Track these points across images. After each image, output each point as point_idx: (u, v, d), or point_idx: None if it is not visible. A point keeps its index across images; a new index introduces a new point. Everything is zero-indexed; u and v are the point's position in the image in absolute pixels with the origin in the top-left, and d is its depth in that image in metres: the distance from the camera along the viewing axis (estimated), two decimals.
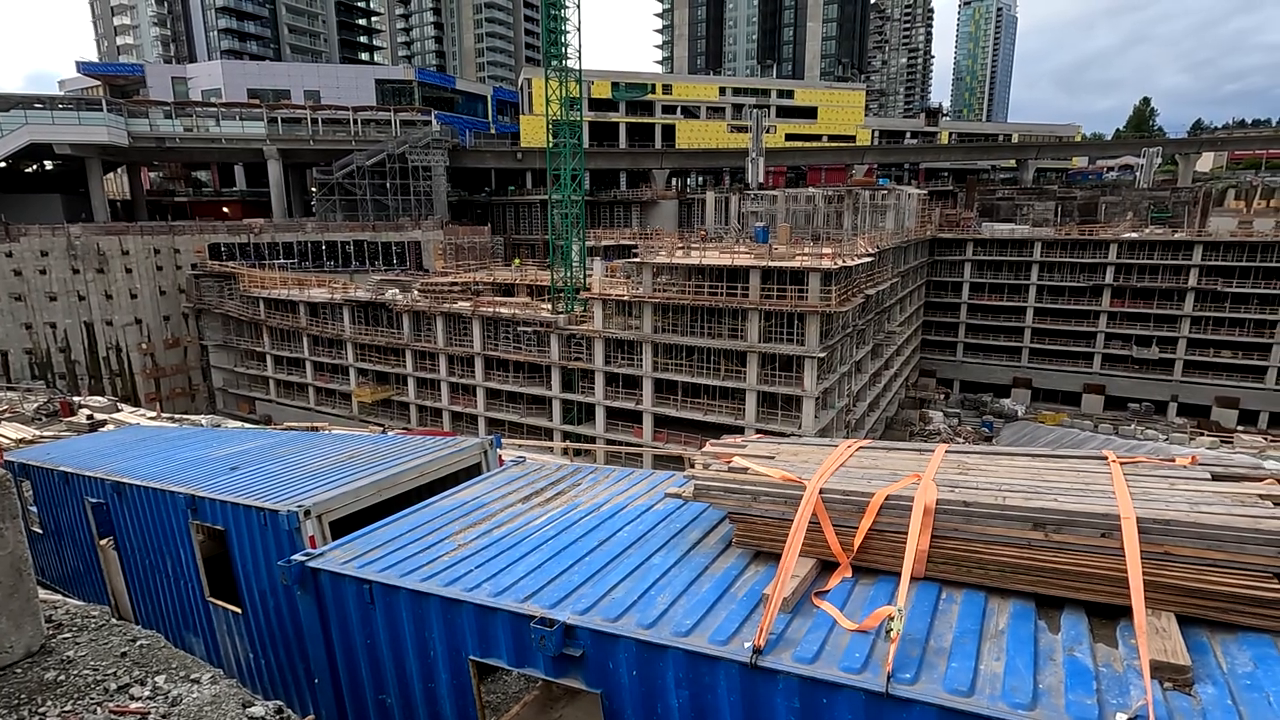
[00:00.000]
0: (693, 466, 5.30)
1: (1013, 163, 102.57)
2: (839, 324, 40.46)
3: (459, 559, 5.15)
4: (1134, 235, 68.08)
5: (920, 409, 65.62)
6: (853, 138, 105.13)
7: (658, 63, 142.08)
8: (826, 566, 4.35)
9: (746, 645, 3.61)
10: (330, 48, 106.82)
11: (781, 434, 32.55)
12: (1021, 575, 3.77)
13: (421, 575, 4.95)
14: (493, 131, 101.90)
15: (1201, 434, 54.27)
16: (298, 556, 5.50)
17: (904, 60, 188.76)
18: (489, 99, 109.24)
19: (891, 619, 3.40)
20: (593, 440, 44.39)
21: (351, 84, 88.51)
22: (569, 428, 46.05)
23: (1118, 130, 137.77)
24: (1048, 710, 2.94)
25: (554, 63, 45.73)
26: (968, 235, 72.90)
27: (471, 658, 4.59)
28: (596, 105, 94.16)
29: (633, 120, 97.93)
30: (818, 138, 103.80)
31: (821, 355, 37.99)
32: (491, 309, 47.79)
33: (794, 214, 66.89)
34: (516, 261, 71.68)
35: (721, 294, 40.34)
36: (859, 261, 41.93)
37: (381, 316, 52.12)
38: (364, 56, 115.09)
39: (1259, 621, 3.26)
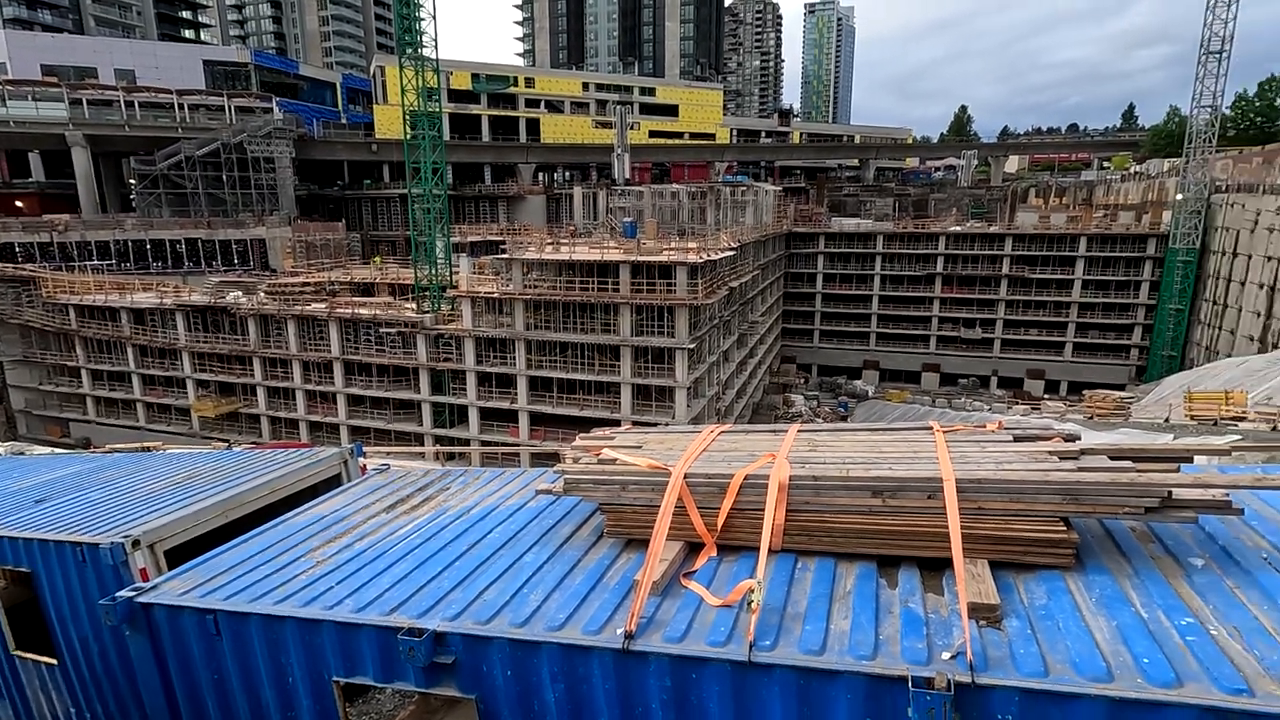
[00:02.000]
0: (564, 461, 5.31)
1: (856, 162, 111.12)
2: (706, 316, 41.99)
3: (317, 577, 4.84)
4: (958, 229, 76.09)
5: (783, 393, 69.63)
6: (713, 136, 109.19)
7: (519, 55, 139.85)
8: (694, 548, 4.53)
9: (619, 632, 3.69)
10: (145, 23, 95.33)
11: (656, 424, 33.33)
12: (865, 539, 4.13)
13: (275, 598, 4.60)
14: (344, 121, 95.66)
15: (1016, 403, 61.77)
16: (124, 593, 4.92)
17: (757, 63, 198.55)
18: (338, 87, 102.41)
19: (752, 591, 3.61)
20: (467, 443, 43.13)
21: (175, 64, 79.54)
22: (441, 431, 44.42)
23: (942, 134, 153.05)
24: (886, 658, 3.26)
25: (409, 51, 43.65)
26: (819, 229, 78.24)
27: (336, 679, 4.34)
28: (457, 97, 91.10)
29: (496, 113, 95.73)
30: (680, 135, 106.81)
31: (691, 346, 39.27)
32: (350, 310, 44.97)
33: (660, 209, 68.49)
34: (376, 259, 67.81)
35: (593, 289, 40.53)
36: (722, 255, 43.70)
37: (223, 322, 47.43)
38: (188, 35, 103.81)
39: (1052, 560, 3.79)
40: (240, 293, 49.12)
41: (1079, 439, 4.46)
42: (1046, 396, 67.73)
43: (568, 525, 5.22)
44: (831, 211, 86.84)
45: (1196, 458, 4.35)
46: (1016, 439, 4.54)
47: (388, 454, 26.54)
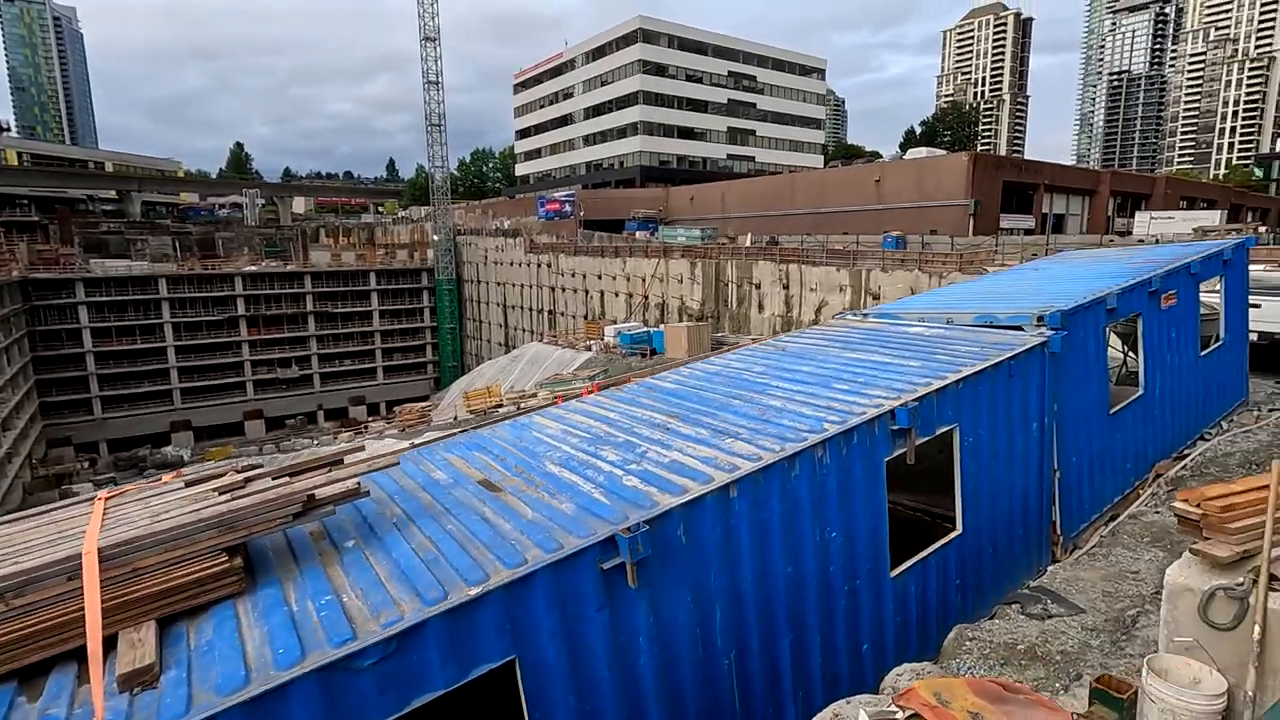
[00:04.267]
0: None
1: (115, 194, 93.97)
2: None
3: None
4: (254, 268, 73.89)
5: (61, 486, 53.65)
6: None
7: None
8: None
9: None
10: None
11: None
12: None
13: None
14: None
15: (343, 431, 64.70)
16: None
17: None
18: None
19: None
20: None
21: None
22: None
23: (222, 170, 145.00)
24: None
25: None
26: (75, 274, 62.96)
27: None
28: None
29: None
30: None
31: None
32: None
33: None
34: None
35: None
36: None
37: None
38: None
39: (223, 592, 3.92)
40: None
41: (258, 468, 4.77)
42: (370, 419, 73.44)
43: None
44: (89, 252, 71.45)
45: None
46: (188, 484, 4.53)
47: None
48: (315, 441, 58.34)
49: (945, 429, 6.26)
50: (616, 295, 60.04)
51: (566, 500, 4.80)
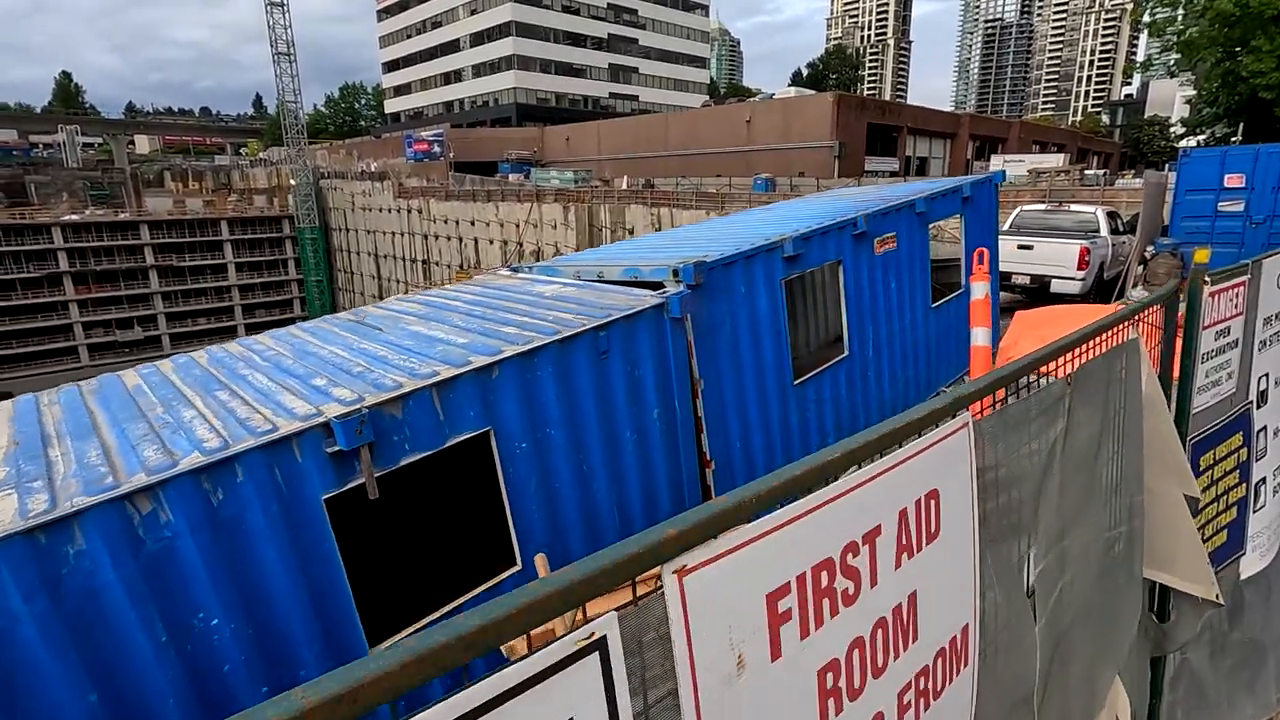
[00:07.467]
0: None
1: None
2: None
3: None
4: (76, 217, 65.09)
5: None
6: None
7: None
8: None
9: None
10: None
11: None
12: None
13: None
14: None
15: None
16: None
17: None
18: None
19: None
20: None
21: None
22: None
23: (49, 104, 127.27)
24: None
25: None
26: None
27: None
28: None
29: None
30: None
31: None
32: None
33: None
34: None
35: None
36: None
37: None
38: None
39: None
40: None
41: None
42: None
43: None
44: None
45: None
46: None
47: None
48: None
49: (466, 436, 4.41)
50: (491, 242, 56.55)
51: None
